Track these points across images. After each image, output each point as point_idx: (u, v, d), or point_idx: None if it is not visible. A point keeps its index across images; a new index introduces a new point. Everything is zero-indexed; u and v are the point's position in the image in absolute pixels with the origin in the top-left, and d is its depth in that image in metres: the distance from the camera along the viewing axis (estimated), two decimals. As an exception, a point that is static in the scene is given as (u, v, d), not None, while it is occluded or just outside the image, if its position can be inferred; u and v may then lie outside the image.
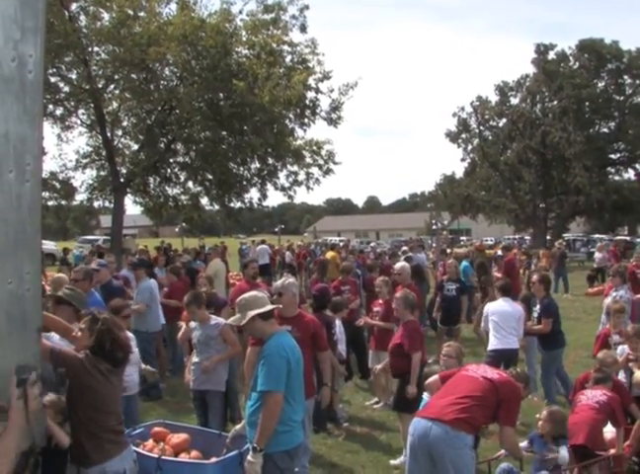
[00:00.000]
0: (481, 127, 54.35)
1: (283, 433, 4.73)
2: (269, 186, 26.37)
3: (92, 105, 24.19)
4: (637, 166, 50.77)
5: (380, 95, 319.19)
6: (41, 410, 3.74)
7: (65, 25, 20.73)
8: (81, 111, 25.66)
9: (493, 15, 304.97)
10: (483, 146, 53.00)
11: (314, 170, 25.73)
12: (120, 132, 26.35)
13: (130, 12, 22.33)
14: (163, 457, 5.47)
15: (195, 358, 7.32)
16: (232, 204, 27.57)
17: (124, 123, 26.45)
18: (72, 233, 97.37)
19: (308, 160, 25.42)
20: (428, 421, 4.94)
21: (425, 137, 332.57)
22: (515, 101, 53.85)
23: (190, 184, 27.34)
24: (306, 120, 25.32)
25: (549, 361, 9.26)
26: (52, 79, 22.74)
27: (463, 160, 56.36)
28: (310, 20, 24.49)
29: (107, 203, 27.86)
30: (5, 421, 3.28)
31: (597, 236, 51.61)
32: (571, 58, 50.86)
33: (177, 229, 52.18)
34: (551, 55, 51.24)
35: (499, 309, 8.94)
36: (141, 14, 22.89)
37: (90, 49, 23.10)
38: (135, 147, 26.11)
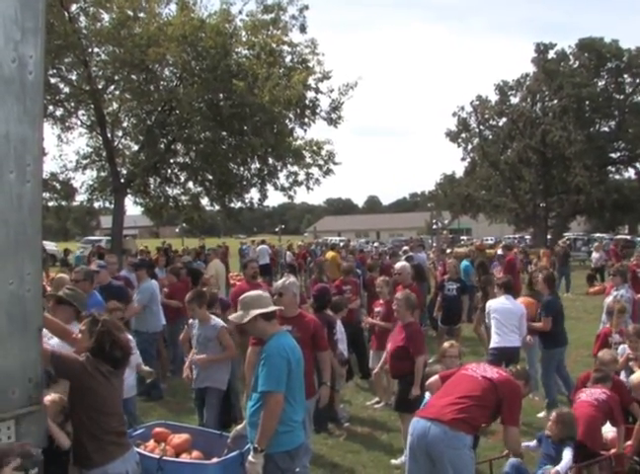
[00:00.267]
0: (481, 127, 54.30)
1: (284, 433, 4.73)
2: (269, 186, 26.37)
3: (92, 105, 24.19)
4: (637, 165, 50.71)
5: (380, 94, 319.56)
6: (42, 410, 3.74)
7: (65, 26, 20.73)
8: (81, 111, 25.67)
9: (493, 14, 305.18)
10: (483, 145, 52.96)
11: (314, 170, 25.72)
12: (120, 133, 26.36)
13: (130, 13, 22.34)
14: (164, 458, 5.48)
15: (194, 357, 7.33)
16: (232, 205, 27.58)
17: (125, 124, 26.46)
18: (72, 234, 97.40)
19: (308, 160, 25.41)
20: (426, 421, 4.94)
21: (425, 137, 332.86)
22: (515, 100, 53.81)
23: (190, 184, 27.35)
24: (306, 120, 25.32)
25: (549, 360, 9.26)
26: (52, 80, 22.75)
27: (463, 159, 56.35)
28: (310, 20, 24.51)
29: (107, 204, 27.87)
30: None
31: (597, 235, 51.63)
32: (571, 57, 50.81)
33: (177, 230, 52.33)
34: (551, 54, 51.20)
35: (501, 307, 8.93)
36: (141, 15, 22.90)
37: (90, 50, 23.10)
38: (136, 148, 26.11)
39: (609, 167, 50.90)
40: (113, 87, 25.05)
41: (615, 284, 10.93)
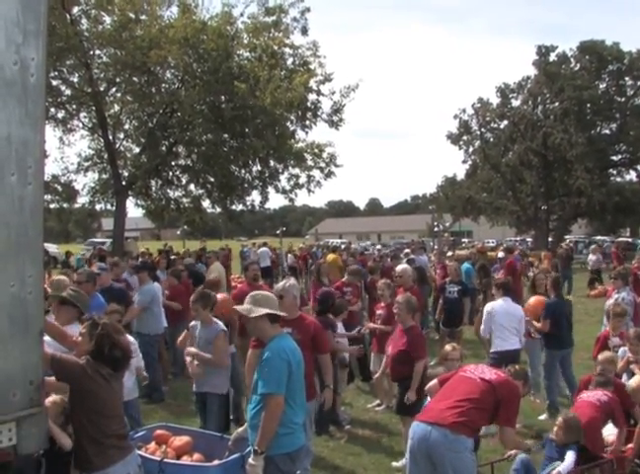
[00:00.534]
0: (482, 129, 54.25)
1: (285, 435, 4.73)
2: (270, 188, 26.42)
3: (93, 108, 24.29)
4: (639, 167, 50.70)
5: (381, 97, 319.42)
6: (44, 412, 3.74)
7: (67, 28, 20.81)
8: (83, 114, 25.80)
9: (493, 16, 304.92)
10: (484, 148, 52.93)
11: (315, 172, 25.78)
12: (121, 135, 26.47)
13: (132, 15, 22.42)
14: (165, 460, 5.48)
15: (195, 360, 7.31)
16: (234, 207, 27.67)
17: (126, 126, 26.57)
18: (74, 236, 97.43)
19: (309, 163, 25.47)
20: (427, 425, 4.94)
21: (426, 139, 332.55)
22: (516, 103, 53.80)
23: (191, 186, 27.49)
24: (307, 123, 25.37)
25: (551, 361, 9.32)
26: (54, 82, 22.85)
27: (464, 162, 56.35)
28: (311, 22, 24.58)
29: (108, 206, 27.99)
30: None
31: (598, 238, 51.61)
32: (572, 60, 50.80)
33: (178, 232, 52.31)
34: (552, 57, 51.18)
35: (501, 310, 8.94)
36: (143, 17, 22.99)
37: (91, 53, 23.19)
38: (137, 150, 26.20)
39: (611, 170, 50.84)
40: (114, 89, 25.15)
41: (616, 287, 10.91)
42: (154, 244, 43.87)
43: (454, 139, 54.44)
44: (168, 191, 27.68)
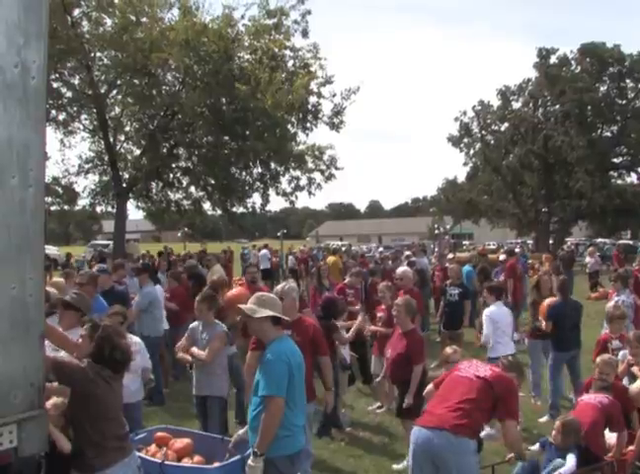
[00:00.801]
0: (483, 132, 54.24)
1: (285, 437, 4.73)
2: (271, 191, 26.41)
3: (94, 110, 24.30)
4: (639, 170, 50.69)
5: (382, 99, 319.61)
6: (45, 414, 3.74)
7: (68, 30, 20.83)
8: (84, 116, 25.82)
9: (494, 19, 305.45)
10: (485, 150, 52.91)
11: (316, 175, 25.77)
12: (122, 137, 26.48)
13: (133, 17, 22.43)
14: (166, 462, 5.48)
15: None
16: (234, 209, 27.63)
17: (127, 129, 26.57)
18: (74, 238, 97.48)
19: (310, 165, 25.46)
20: (429, 430, 4.94)
21: (426, 142, 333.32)
22: (517, 105, 53.74)
23: (192, 189, 27.44)
24: (308, 125, 25.36)
25: (554, 362, 9.45)
26: (55, 84, 22.87)
27: (465, 164, 56.33)
28: (312, 24, 24.53)
29: (109, 208, 27.98)
30: None
31: (599, 240, 51.54)
32: (573, 62, 50.76)
33: (179, 234, 52.30)
34: (553, 59, 51.14)
35: (500, 315, 8.99)
36: (143, 19, 22.99)
37: (92, 55, 23.21)
38: (138, 152, 26.20)
39: (611, 172, 50.77)
40: (115, 91, 25.18)
41: (616, 290, 10.92)
42: (154, 246, 43.86)
43: (455, 142, 54.41)
44: (168, 193, 27.69)
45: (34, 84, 3.23)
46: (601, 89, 49.65)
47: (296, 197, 26.48)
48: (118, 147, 25.90)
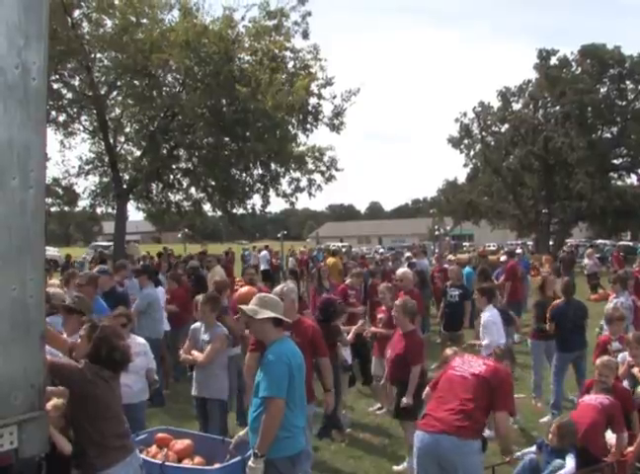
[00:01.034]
0: (483, 133, 54.24)
1: (285, 438, 4.73)
2: (271, 192, 26.40)
3: (95, 111, 24.30)
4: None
5: (382, 100, 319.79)
6: (45, 415, 3.74)
7: (68, 31, 20.83)
8: (84, 117, 25.81)
9: (495, 20, 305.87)
10: (485, 152, 52.91)
11: (316, 176, 25.77)
12: (122, 139, 26.47)
13: (133, 19, 22.43)
14: (166, 463, 5.48)
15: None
16: (235, 210, 27.61)
17: (127, 130, 26.57)
18: (75, 239, 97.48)
19: (310, 166, 25.45)
20: (433, 434, 4.94)
21: (427, 143, 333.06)
22: (517, 106, 53.75)
23: (192, 190, 27.41)
24: (309, 126, 25.34)
25: (557, 362, 9.47)
26: (55, 86, 22.86)
27: (465, 166, 56.35)
28: (312, 25, 24.49)
29: (109, 210, 27.98)
30: None
31: (599, 241, 51.56)
32: (573, 64, 50.74)
33: (179, 235, 52.35)
34: (553, 61, 51.14)
35: (497, 316, 9.00)
36: (144, 21, 22.98)
37: (93, 56, 23.20)
38: (138, 153, 26.19)
39: (612, 173, 50.76)
40: (115, 93, 25.17)
41: (615, 292, 10.91)
42: (154, 247, 43.85)
43: (455, 143, 54.42)
44: (169, 194, 27.66)
45: (34, 85, 3.23)
46: (602, 90, 49.63)
47: (297, 199, 26.50)
48: (118, 148, 25.89)
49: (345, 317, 9.81)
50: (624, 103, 49.11)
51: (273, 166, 25.56)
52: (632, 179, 51.72)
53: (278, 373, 4.67)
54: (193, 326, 7.58)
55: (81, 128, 26.00)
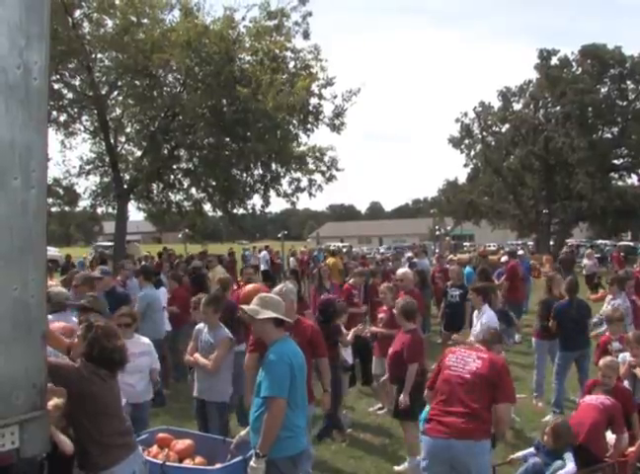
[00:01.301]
0: (484, 133, 54.24)
1: (287, 438, 4.74)
2: (271, 192, 26.36)
3: (95, 111, 24.27)
4: (640, 171, 50.69)
5: (383, 100, 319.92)
6: (46, 415, 3.74)
7: (69, 31, 20.80)
8: (84, 117, 25.77)
9: (495, 20, 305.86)
10: (486, 152, 52.91)
11: (317, 176, 25.73)
12: (123, 139, 26.44)
13: (134, 19, 22.40)
14: (167, 463, 5.48)
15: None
16: (235, 211, 27.58)
17: (128, 130, 26.53)
18: (75, 239, 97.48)
19: (311, 166, 25.42)
20: (444, 440, 4.96)
21: (427, 143, 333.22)
22: (517, 106, 53.77)
23: (193, 190, 27.37)
24: (309, 126, 25.30)
25: (559, 361, 9.52)
26: (56, 86, 22.82)
27: (466, 166, 56.36)
28: (313, 26, 24.42)
29: (110, 210, 27.96)
30: None
31: (600, 242, 51.55)
32: (574, 64, 50.75)
33: (180, 235, 52.30)
34: (554, 61, 51.14)
35: (494, 316, 9.00)
36: (144, 21, 22.95)
37: (93, 56, 23.18)
38: (139, 154, 26.16)
39: (612, 173, 50.73)
40: (116, 93, 25.14)
41: (612, 293, 10.90)
42: (155, 247, 43.83)
43: (456, 143, 54.43)
44: (169, 194, 27.61)
45: (36, 85, 3.23)
46: (602, 90, 49.62)
47: (297, 199, 26.42)
48: (118, 148, 25.86)
49: (345, 317, 9.80)
50: (625, 103, 49.10)
51: (273, 166, 25.52)
52: (633, 179, 51.78)
53: (279, 373, 4.67)
54: (197, 326, 7.56)
55: (82, 128, 25.98)
